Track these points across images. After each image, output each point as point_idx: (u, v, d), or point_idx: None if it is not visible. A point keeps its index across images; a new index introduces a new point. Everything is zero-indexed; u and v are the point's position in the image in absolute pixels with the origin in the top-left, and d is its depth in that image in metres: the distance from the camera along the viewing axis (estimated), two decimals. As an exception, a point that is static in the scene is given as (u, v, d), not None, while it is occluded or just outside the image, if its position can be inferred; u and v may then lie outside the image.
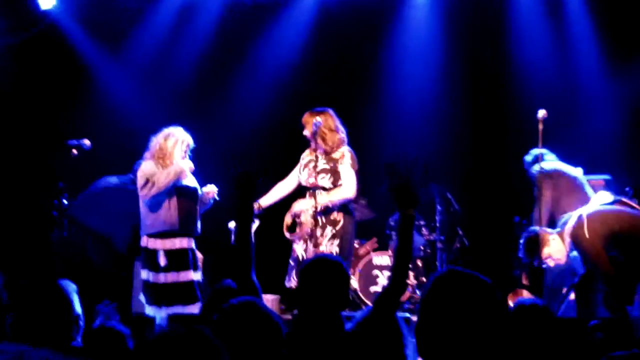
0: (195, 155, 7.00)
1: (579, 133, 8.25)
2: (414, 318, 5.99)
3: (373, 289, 7.99)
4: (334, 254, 6.15)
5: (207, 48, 9.11)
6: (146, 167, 6.32)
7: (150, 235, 6.33)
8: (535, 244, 5.96)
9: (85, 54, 9.08)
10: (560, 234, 5.93)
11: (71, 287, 3.75)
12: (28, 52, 8.78)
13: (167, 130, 6.42)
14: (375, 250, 8.20)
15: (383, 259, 8.10)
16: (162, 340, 2.02)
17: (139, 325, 6.48)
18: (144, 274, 6.38)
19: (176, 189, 6.32)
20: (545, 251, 5.95)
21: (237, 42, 9.11)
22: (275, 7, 9.08)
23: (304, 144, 6.50)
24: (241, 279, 3.43)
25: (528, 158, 7.05)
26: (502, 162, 8.55)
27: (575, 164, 7.63)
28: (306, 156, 6.48)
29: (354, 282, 7.88)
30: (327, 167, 6.26)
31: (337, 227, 6.24)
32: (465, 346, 1.82)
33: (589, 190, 6.82)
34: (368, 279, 8.03)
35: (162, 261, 6.25)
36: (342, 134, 6.35)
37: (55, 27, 8.89)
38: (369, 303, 7.25)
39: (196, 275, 6.33)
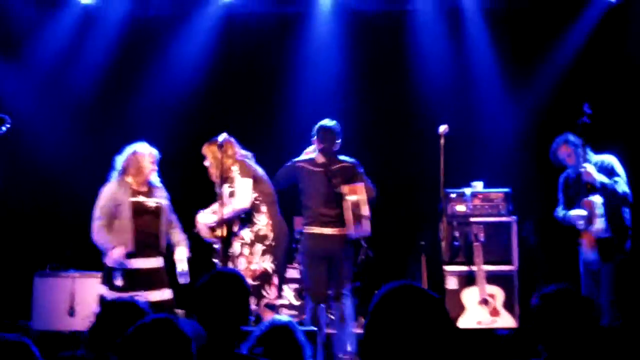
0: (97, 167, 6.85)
1: (480, 147, 8.49)
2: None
3: (279, 302, 7.96)
4: (269, 270, 6.28)
5: (108, 60, 8.94)
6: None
7: None
8: None
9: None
10: None
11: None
12: None
13: (132, 147, 6.33)
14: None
15: (288, 272, 8.07)
16: None
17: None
18: None
19: None
20: None
21: (139, 54, 8.97)
22: (177, 20, 8.99)
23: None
24: None
25: None
26: (404, 176, 8.72)
27: (476, 178, 7.86)
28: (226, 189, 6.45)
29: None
30: (232, 189, 6.33)
31: (267, 242, 6.33)
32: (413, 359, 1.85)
33: None
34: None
35: None
36: (238, 156, 6.41)
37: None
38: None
39: None
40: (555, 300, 2.97)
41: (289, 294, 8.10)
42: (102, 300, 6.09)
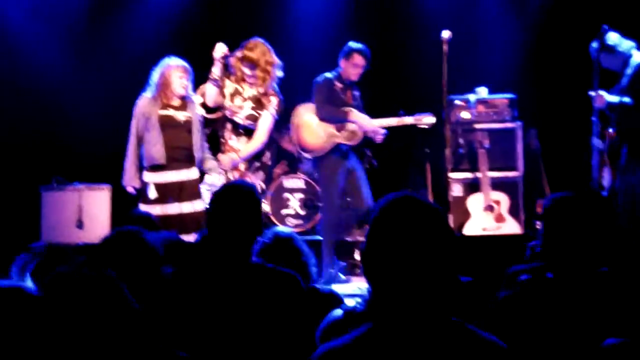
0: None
1: (483, 53, 8.40)
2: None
3: (285, 211, 8.06)
4: (258, 187, 6.39)
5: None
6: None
7: None
8: None
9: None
10: None
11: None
12: None
13: (163, 61, 6.39)
14: (285, 173, 8.24)
15: (294, 182, 8.15)
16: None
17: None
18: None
19: None
20: None
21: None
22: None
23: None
24: None
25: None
26: (408, 84, 8.66)
27: (480, 84, 7.81)
28: (231, 84, 6.50)
29: (266, 206, 7.93)
30: (254, 113, 6.44)
31: (263, 159, 6.53)
32: (414, 270, 1.86)
33: None
34: (279, 202, 8.09)
35: None
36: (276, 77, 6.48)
37: None
38: (280, 225, 7.32)
39: None
40: (571, 202, 2.84)
41: (294, 203, 8.16)
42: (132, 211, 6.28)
